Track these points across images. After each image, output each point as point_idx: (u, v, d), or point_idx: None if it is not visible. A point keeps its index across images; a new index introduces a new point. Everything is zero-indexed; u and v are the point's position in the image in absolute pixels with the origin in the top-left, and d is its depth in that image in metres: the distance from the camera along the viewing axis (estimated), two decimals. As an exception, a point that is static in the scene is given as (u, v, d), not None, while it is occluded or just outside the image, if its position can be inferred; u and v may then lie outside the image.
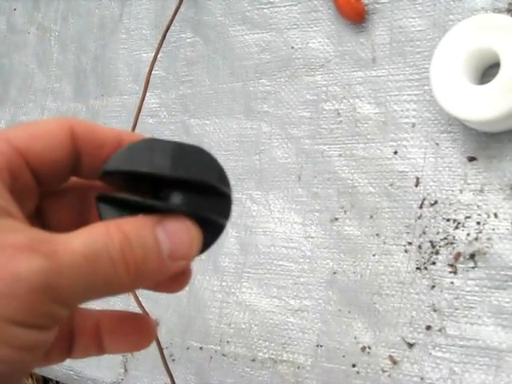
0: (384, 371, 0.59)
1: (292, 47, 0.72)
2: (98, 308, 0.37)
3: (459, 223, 0.58)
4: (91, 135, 0.33)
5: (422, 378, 0.57)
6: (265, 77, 0.74)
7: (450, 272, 0.58)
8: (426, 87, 0.62)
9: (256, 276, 0.70)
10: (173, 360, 0.74)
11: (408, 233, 0.60)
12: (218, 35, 0.80)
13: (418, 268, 0.59)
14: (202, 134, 0.78)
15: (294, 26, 0.72)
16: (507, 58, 0.53)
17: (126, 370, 0.79)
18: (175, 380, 0.72)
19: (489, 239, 0.56)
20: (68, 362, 0.83)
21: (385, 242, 0.62)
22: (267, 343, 0.68)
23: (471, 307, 0.56)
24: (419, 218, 0.60)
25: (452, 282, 0.57)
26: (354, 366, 0.61)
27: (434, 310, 0.58)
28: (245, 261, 0.71)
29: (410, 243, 0.60)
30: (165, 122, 0.82)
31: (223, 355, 0.70)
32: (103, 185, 0.34)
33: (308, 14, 0.72)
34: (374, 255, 0.62)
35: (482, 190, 0.57)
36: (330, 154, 0.67)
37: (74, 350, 0.36)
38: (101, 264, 0.27)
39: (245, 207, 0.72)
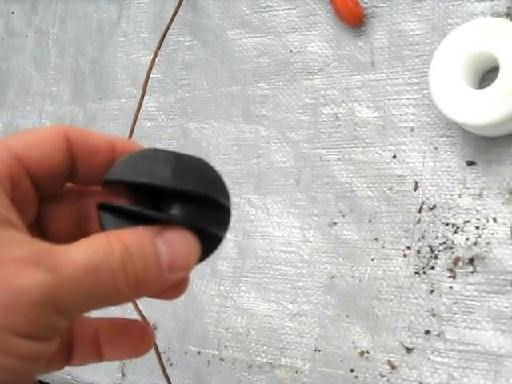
0: (382, 376, 0.59)
1: (290, 51, 0.72)
2: (97, 314, 0.37)
3: (458, 228, 0.58)
4: (85, 141, 0.33)
5: (420, 383, 0.57)
6: (263, 80, 0.74)
7: (449, 277, 0.57)
8: (424, 91, 0.62)
9: (254, 280, 0.70)
10: (170, 364, 0.74)
11: (407, 237, 0.60)
12: (216, 39, 0.79)
13: (416, 272, 0.59)
14: (200, 137, 0.78)
15: (293, 30, 0.72)
16: (506, 62, 0.53)
17: (123, 375, 0.78)
18: (173, 384, 0.72)
19: (488, 244, 0.56)
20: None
21: (383, 247, 0.61)
22: (265, 348, 0.67)
23: (470, 312, 0.56)
24: (418, 222, 0.60)
25: (451, 287, 0.57)
26: (352, 370, 0.61)
27: (433, 315, 0.58)
28: (243, 265, 0.71)
29: (408, 248, 0.60)
30: (163, 125, 0.82)
31: (221, 360, 0.70)
32: (100, 190, 0.34)
33: (306, 18, 0.71)
34: (372, 260, 0.62)
35: (480, 195, 0.57)
36: (328, 158, 0.67)
37: (73, 357, 0.36)
38: (101, 275, 0.28)
39: (243, 211, 0.72)
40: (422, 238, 0.59)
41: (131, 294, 0.29)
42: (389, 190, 0.62)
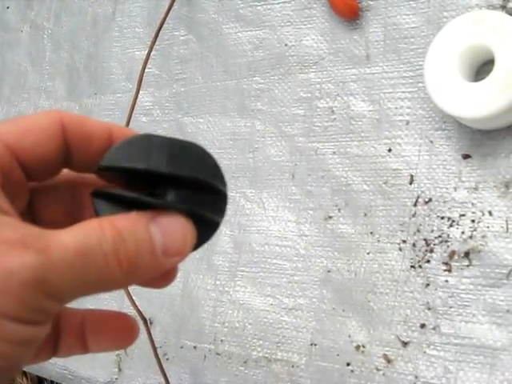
0: (378, 370, 0.59)
1: (286, 45, 0.72)
2: (92, 307, 0.38)
3: (454, 221, 0.58)
4: (81, 128, 0.33)
5: (416, 377, 0.57)
6: (258, 74, 0.74)
7: (445, 270, 0.57)
8: (420, 84, 0.62)
9: (250, 274, 0.70)
10: (167, 359, 0.74)
11: (402, 231, 0.60)
12: (211, 33, 0.79)
13: (412, 266, 0.59)
14: (196, 132, 0.78)
15: (288, 24, 0.72)
16: (501, 55, 0.53)
17: (120, 370, 0.78)
18: (169, 379, 0.72)
19: (483, 237, 0.56)
20: (62, 361, 0.83)
21: (379, 240, 0.61)
22: (261, 342, 0.67)
23: (466, 305, 0.56)
24: (413, 215, 0.60)
25: (446, 280, 0.57)
26: (348, 364, 0.61)
27: (429, 309, 0.58)
28: (238, 259, 0.71)
29: (404, 241, 0.60)
30: (158, 120, 0.82)
31: (217, 354, 0.70)
32: (94, 179, 0.34)
33: (302, 12, 0.71)
34: (368, 253, 0.62)
35: (476, 188, 0.57)
36: (323, 151, 0.67)
37: (59, 349, 0.36)
38: (93, 259, 0.27)
39: (239, 205, 0.72)
40: (418, 231, 0.59)
41: (124, 280, 0.29)
42: (384, 183, 0.62)
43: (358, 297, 0.62)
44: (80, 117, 0.33)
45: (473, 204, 0.57)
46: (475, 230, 0.56)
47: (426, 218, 0.59)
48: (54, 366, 0.86)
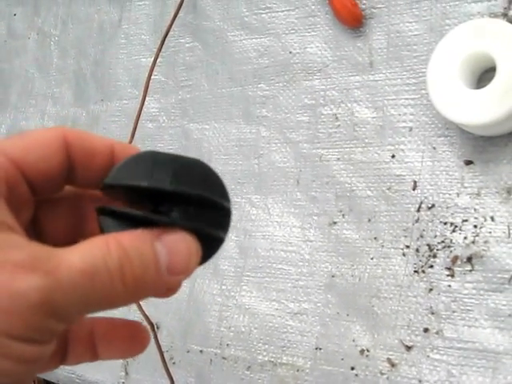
0: (382, 374, 0.60)
1: (290, 52, 0.73)
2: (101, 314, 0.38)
3: (456, 226, 0.58)
4: (84, 144, 0.33)
5: (420, 381, 0.58)
6: (263, 81, 0.74)
7: (448, 275, 0.58)
8: (423, 91, 0.62)
9: (255, 279, 0.70)
10: (173, 363, 0.75)
11: (406, 236, 0.61)
12: (216, 40, 0.80)
13: (415, 271, 0.60)
14: (201, 138, 0.78)
15: (292, 31, 0.73)
16: (503, 63, 0.53)
17: (126, 374, 0.79)
18: (175, 383, 0.72)
19: (486, 242, 0.57)
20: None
21: (383, 246, 0.62)
22: (267, 346, 0.68)
23: (468, 310, 0.56)
24: (417, 221, 0.60)
25: (449, 285, 0.58)
26: (352, 368, 0.62)
27: (432, 313, 0.58)
28: (244, 264, 0.71)
29: (407, 246, 0.61)
30: (164, 126, 0.83)
31: (223, 358, 0.71)
32: (98, 193, 0.34)
33: (306, 19, 0.72)
34: (372, 258, 0.62)
35: (478, 194, 0.58)
36: (328, 158, 0.67)
37: (67, 357, 0.36)
38: (99, 278, 0.28)
39: (244, 211, 0.73)
40: (421, 236, 0.60)
41: (129, 297, 0.29)
42: (388, 189, 0.63)
43: (362, 301, 0.62)
44: (83, 133, 0.33)
45: (475, 210, 0.58)
46: (477, 236, 0.57)
47: (429, 224, 0.60)
48: (61, 369, 0.86)
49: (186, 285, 0.75)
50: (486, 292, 0.56)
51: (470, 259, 0.57)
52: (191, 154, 0.78)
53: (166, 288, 0.31)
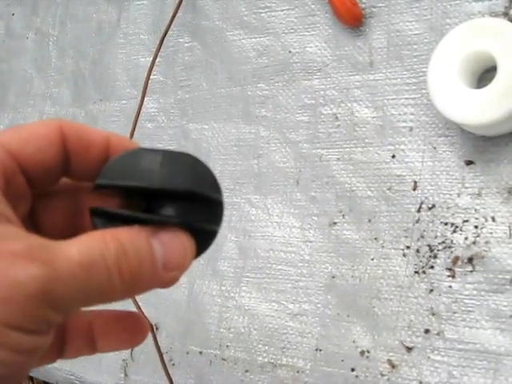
0: (383, 375, 0.59)
1: (289, 51, 0.72)
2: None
3: (457, 227, 0.58)
4: (80, 136, 0.33)
5: (420, 382, 0.57)
6: (263, 81, 0.74)
7: (448, 276, 0.58)
8: (423, 91, 0.62)
9: (255, 280, 0.70)
10: (173, 364, 0.74)
11: (406, 237, 0.61)
12: (215, 40, 0.80)
13: (416, 272, 0.59)
14: (201, 138, 0.78)
15: (292, 31, 0.73)
16: (503, 62, 0.53)
17: (126, 375, 0.79)
18: (175, 384, 0.72)
19: (487, 243, 0.56)
20: (69, 366, 0.83)
21: (383, 246, 0.62)
22: (266, 347, 0.68)
23: (469, 311, 0.56)
24: (417, 221, 0.60)
25: (450, 286, 0.57)
26: (352, 370, 0.61)
27: (433, 314, 0.58)
28: (244, 265, 0.71)
29: (408, 247, 0.60)
30: (163, 126, 0.82)
31: (223, 359, 0.70)
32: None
33: (305, 19, 0.72)
34: (372, 259, 0.62)
35: (479, 194, 0.58)
36: (328, 158, 0.67)
37: (65, 350, 0.36)
38: (96, 272, 0.28)
39: (243, 211, 0.72)
40: (422, 237, 0.60)
41: (125, 292, 0.30)
42: (388, 189, 0.63)
43: (362, 302, 0.62)
44: (79, 125, 0.33)
45: (476, 210, 0.57)
46: (478, 236, 0.57)
47: (430, 224, 0.59)
48: (60, 371, 0.86)
49: (185, 286, 0.75)
50: (486, 293, 0.56)
51: (470, 260, 0.57)
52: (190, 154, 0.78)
53: (161, 284, 0.31)
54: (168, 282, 0.31)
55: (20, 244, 0.27)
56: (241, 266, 0.71)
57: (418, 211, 0.60)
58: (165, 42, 0.81)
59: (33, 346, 0.28)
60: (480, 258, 0.56)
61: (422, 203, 0.60)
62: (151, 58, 0.81)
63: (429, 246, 0.59)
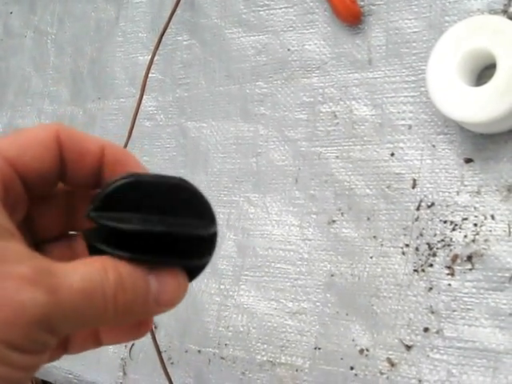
0: (382, 373, 0.59)
1: (288, 49, 0.72)
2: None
3: (456, 225, 0.58)
4: (75, 144, 0.33)
5: (419, 381, 0.57)
6: (261, 79, 0.74)
7: (448, 274, 0.57)
8: (422, 89, 0.62)
9: (254, 279, 0.70)
10: (171, 363, 0.74)
11: (405, 235, 0.60)
12: (214, 38, 0.79)
13: (415, 270, 0.59)
14: (199, 136, 0.78)
15: (290, 29, 0.72)
16: (503, 60, 0.53)
17: (124, 374, 0.79)
18: (174, 383, 0.72)
19: (486, 241, 0.56)
20: (67, 365, 0.83)
21: (382, 244, 0.62)
22: (265, 346, 0.68)
23: (469, 309, 0.56)
24: (416, 219, 0.60)
25: (449, 284, 0.57)
26: (352, 368, 0.61)
27: (432, 312, 0.58)
28: (242, 263, 0.71)
29: (407, 245, 0.60)
30: (162, 124, 0.82)
31: (222, 358, 0.70)
32: (90, 192, 0.35)
33: (304, 16, 0.72)
34: (371, 257, 0.62)
35: (478, 192, 0.57)
36: (326, 156, 0.67)
37: (70, 345, 0.37)
38: (94, 300, 0.29)
39: (242, 210, 0.72)
40: (421, 235, 0.60)
41: (116, 321, 0.31)
42: (387, 187, 0.62)
43: (361, 301, 0.62)
44: (75, 133, 0.34)
45: (475, 208, 0.57)
46: (478, 234, 0.57)
47: (429, 222, 0.59)
48: (59, 370, 0.86)
49: (184, 284, 0.74)
50: (486, 291, 0.55)
51: (470, 258, 0.57)
52: (189, 152, 0.78)
53: (153, 314, 0.33)
54: (158, 314, 0.33)
55: (27, 267, 0.27)
56: (239, 265, 0.71)
57: (417, 209, 0.60)
58: (163, 40, 0.81)
59: (30, 364, 0.29)
60: (479, 256, 0.56)
61: (421, 201, 0.60)
62: (150, 57, 0.81)
63: (428, 244, 0.59)
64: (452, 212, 0.58)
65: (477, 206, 0.57)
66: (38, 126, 0.33)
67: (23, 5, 1.05)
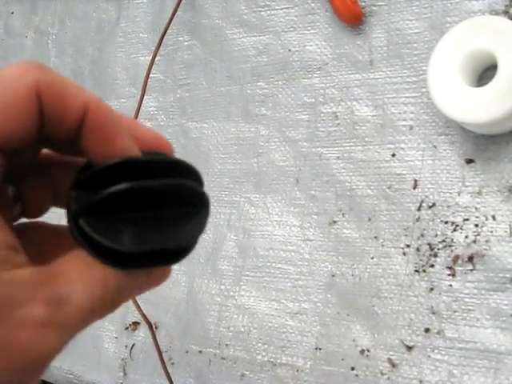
0: (383, 374, 0.59)
1: (289, 50, 0.72)
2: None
3: (457, 226, 0.58)
4: (57, 99, 0.30)
5: (420, 381, 0.57)
6: (262, 80, 0.74)
7: (449, 275, 0.58)
8: (423, 89, 0.62)
9: (255, 279, 0.70)
10: (172, 364, 0.74)
11: (406, 235, 0.60)
12: (215, 38, 0.79)
13: (416, 271, 0.59)
14: (200, 137, 0.78)
15: (292, 29, 0.72)
16: (504, 60, 0.53)
17: (125, 374, 0.79)
18: (174, 383, 0.72)
19: (487, 241, 0.56)
20: (68, 365, 0.83)
21: (383, 245, 0.62)
22: (266, 346, 0.68)
23: (470, 310, 0.56)
24: (417, 220, 0.60)
25: (450, 285, 0.57)
26: (352, 368, 0.61)
27: (433, 313, 0.58)
28: (243, 264, 0.71)
29: (408, 246, 0.60)
30: (163, 125, 0.82)
31: (222, 358, 0.70)
32: (75, 161, 0.34)
33: (305, 17, 0.72)
34: (372, 258, 0.62)
35: (480, 193, 0.57)
36: (327, 156, 0.67)
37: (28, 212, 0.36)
38: (96, 310, 0.29)
39: (243, 210, 0.72)
40: (422, 236, 0.60)
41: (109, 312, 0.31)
42: (388, 188, 0.62)
43: (362, 301, 0.62)
44: (58, 83, 0.30)
45: (476, 208, 0.57)
46: (479, 235, 0.57)
47: (430, 223, 0.59)
48: (59, 370, 0.86)
49: (184, 285, 0.75)
50: (487, 291, 0.55)
51: (471, 258, 0.57)
52: (190, 152, 0.78)
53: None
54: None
55: (38, 305, 0.27)
56: (240, 265, 0.71)
57: (419, 210, 0.60)
58: (164, 40, 0.81)
59: None
60: (480, 257, 0.56)
61: (422, 202, 0.60)
62: (151, 57, 0.81)
63: (429, 244, 0.59)
64: (453, 212, 0.58)
65: (478, 206, 0.57)
66: (15, 70, 0.28)
67: (24, 5, 1.05)
